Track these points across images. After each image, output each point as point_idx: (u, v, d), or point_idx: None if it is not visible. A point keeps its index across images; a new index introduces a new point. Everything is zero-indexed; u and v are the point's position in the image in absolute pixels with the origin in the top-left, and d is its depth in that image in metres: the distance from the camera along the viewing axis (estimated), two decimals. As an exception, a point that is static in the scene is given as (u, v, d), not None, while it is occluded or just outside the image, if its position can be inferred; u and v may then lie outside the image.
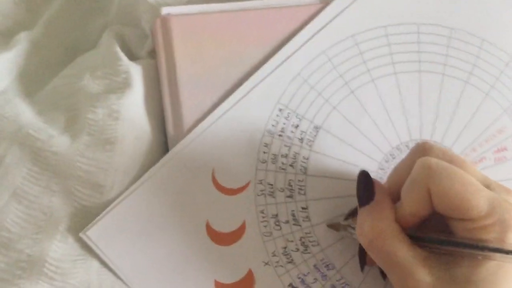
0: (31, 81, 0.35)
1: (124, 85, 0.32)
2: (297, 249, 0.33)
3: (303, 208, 0.34)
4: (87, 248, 0.32)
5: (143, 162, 0.33)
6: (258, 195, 0.33)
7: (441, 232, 0.27)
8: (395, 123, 0.35)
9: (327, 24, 0.35)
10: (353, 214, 0.32)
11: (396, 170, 0.30)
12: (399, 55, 0.36)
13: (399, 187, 0.28)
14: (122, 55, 0.33)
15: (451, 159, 0.27)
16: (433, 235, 0.27)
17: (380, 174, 0.34)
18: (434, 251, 0.27)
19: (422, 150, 0.28)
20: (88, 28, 0.39)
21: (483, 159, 0.35)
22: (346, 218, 0.32)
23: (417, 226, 0.28)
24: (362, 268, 0.32)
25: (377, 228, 0.27)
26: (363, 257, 0.32)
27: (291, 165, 0.34)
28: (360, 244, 0.32)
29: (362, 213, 0.29)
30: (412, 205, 0.27)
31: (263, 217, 0.33)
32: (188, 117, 0.33)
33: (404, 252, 0.26)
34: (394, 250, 0.26)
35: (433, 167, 0.26)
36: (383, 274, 0.31)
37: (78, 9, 0.38)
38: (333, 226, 0.33)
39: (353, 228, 0.31)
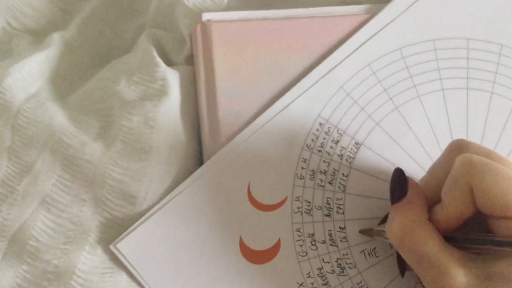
0: (63, 84, 0.34)
1: (161, 92, 0.31)
2: (333, 271, 0.32)
3: (341, 228, 0.32)
4: (115, 260, 0.31)
5: (177, 173, 0.32)
6: (295, 213, 0.32)
7: (478, 232, 0.26)
8: (440, 142, 0.33)
9: (373, 35, 0.34)
10: (387, 219, 0.30)
11: (432, 170, 0.28)
12: (447, 71, 0.34)
13: (436, 188, 0.27)
14: (159, 60, 0.32)
15: (488, 155, 0.26)
16: (469, 236, 0.25)
17: (423, 195, 0.33)
18: (470, 251, 0.25)
19: (458, 147, 0.27)
20: (123, 30, 0.37)
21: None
22: (380, 224, 0.31)
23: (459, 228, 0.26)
24: (402, 274, 0.31)
25: (407, 226, 0.26)
26: (402, 261, 0.30)
27: (329, 182, 0.32)
28: None
29: (393, 210, 0.28)
30: (455, 205, 0.25)
31: (299, 236, 0.32)
32: (226, 127, 0.32)
33: (436, 251, 0.25)
34: (425, 249, 0.25)
35: (474, 163, 0.24)
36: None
37: (113, 10, 0.37)
38: (366, 232, 0.32)
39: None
